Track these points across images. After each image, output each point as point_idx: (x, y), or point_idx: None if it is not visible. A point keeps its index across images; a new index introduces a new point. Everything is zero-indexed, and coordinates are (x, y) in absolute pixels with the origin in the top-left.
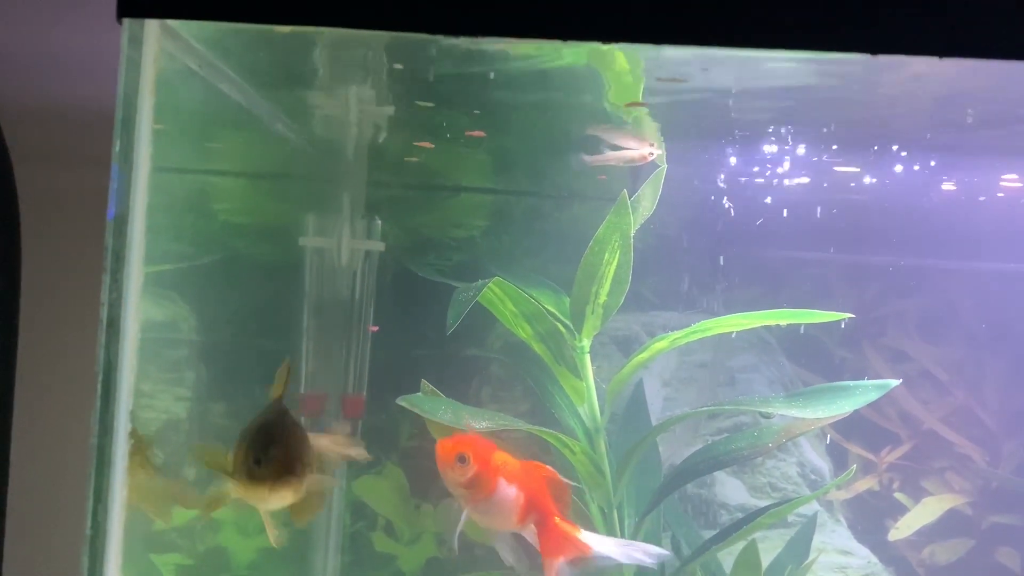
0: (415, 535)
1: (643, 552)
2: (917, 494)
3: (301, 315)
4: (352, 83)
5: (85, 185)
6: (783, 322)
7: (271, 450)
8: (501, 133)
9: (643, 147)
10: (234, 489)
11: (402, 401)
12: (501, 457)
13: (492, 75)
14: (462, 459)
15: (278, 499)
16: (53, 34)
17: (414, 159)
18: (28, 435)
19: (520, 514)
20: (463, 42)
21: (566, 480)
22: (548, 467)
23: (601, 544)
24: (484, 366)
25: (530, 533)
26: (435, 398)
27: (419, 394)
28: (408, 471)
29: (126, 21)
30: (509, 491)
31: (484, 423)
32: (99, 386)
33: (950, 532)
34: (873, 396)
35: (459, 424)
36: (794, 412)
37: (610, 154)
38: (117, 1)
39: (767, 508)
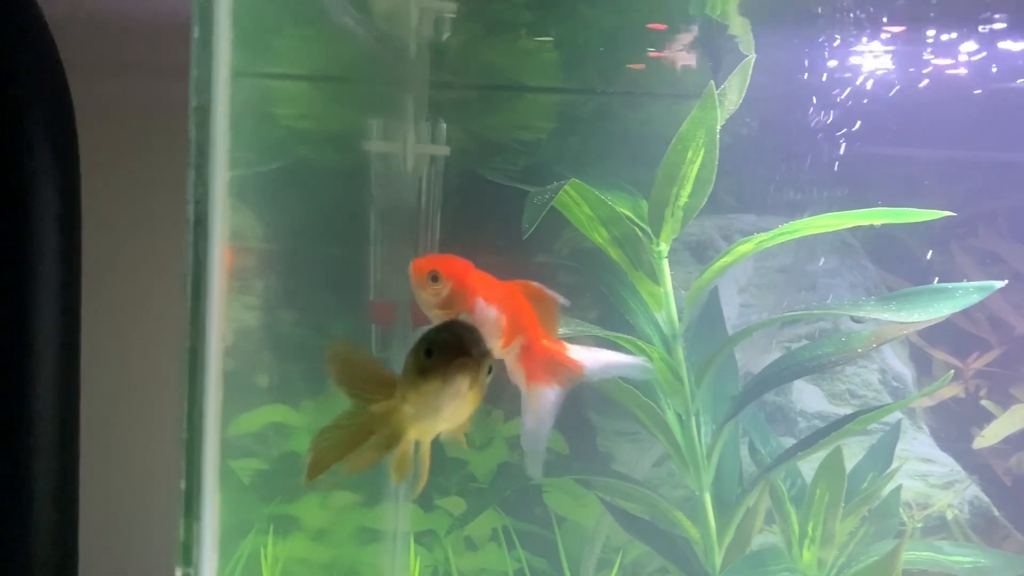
0: (486, 440)
1: (637, 365)
2: (1005, 401)
3: (368, 222)
4: None
5: (143, 96)
6: (877, 222)
7: (442, 334)
8: (567, 26)
9: None
10: (403, 405)
11: None
12: (479, 276)
13: None
14: (435, 277)
15: (453, 396)
16: None
17: (477, 59)
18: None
19: (504, 337)
20: None
21: (555, 295)
22: (533, 283)
23: (594, 359)
24: (552, 273)
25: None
26: None
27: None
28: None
29: None
30: (489, 312)
31: (565, 328)
32: (189, 288)
33: None
34: (975, 299)
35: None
36: (888, 316)
37: None
38: None
39: (852, 416)
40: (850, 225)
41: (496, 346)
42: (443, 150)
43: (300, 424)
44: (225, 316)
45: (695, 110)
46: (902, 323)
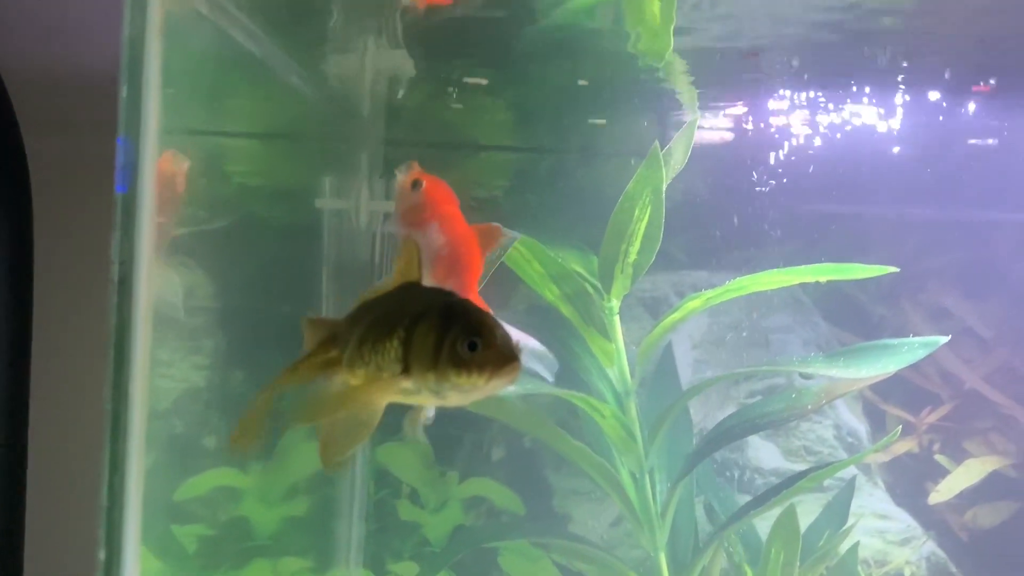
0: (440, 502)
1: (545, 361)
2: (959, 456)
3: (320, 278)
4: (367, 32)
5: (95, 152)
6: (823, 278)
7: (495, 331)
8: (520, 86)
9: None
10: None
11: None
12: (452, 211)
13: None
14: (416, 184)
15: (492, 389)
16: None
17: (432, 117)
18: (46, 405)
19: (440, 268)
20: None
21: (509, 232)
22: (494, 224)
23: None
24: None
25: None
26: None
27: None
28: (431, 437)
29: None
30: (438, 237)
31: (510, 387)
32: (112, 349)
33: (993, 495)
34: (920, 354)
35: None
36: (836, 372)
37: None
38: None
39: (805, 472)
40: (796, 281)
41: (425, 275)
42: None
43: (248, 487)
44: (149, 377)
45: (640, 169)
46: (850, 379)
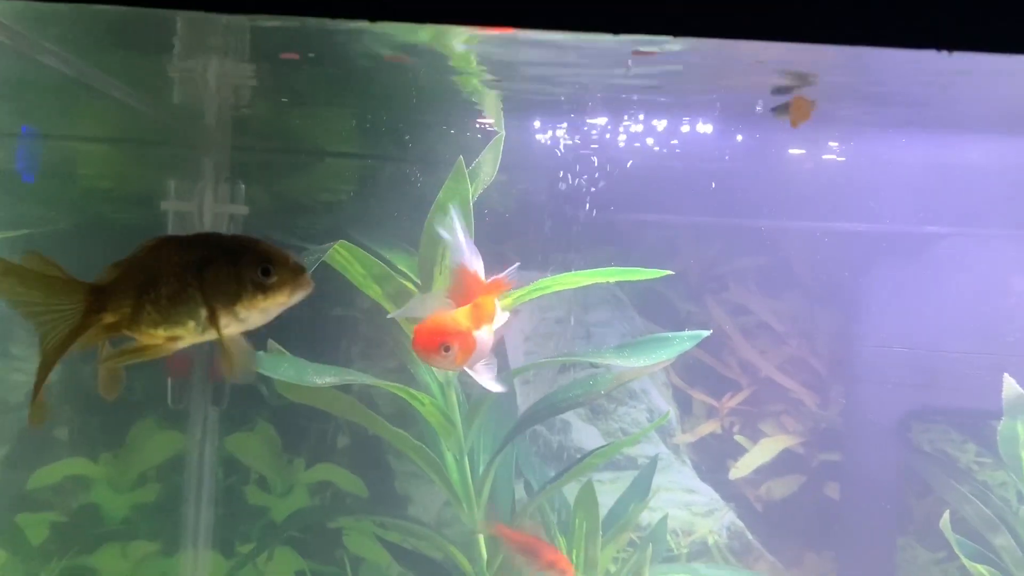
0: (287, 488)
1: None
2: (755, 436)
3: None
4: (210, 51)
5: None
6: (612, 279)
7: (280, 252)
8: (365, 98)
9: None
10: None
11: None
12: (466, 322)
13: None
14: (447, 348)
15: (294, 302)
16: None
17: (278, 126)
18: None
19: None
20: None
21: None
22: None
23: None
24: (353, 325)
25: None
26: (278, 356)
27: (261, 352)
28: (280, 427)
29: None
30: (484, 340)
31: (329, 378)
32: None
33: (784, 470)
34: (688, 345)
35: (302, 381)
36: (620, 362)
37: None
38: None
39: (597, 449)
40: (589, 282)
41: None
42: (241, 209)
43: (99, 476)
44: None
45: (448, 180)
46: (634, 367)
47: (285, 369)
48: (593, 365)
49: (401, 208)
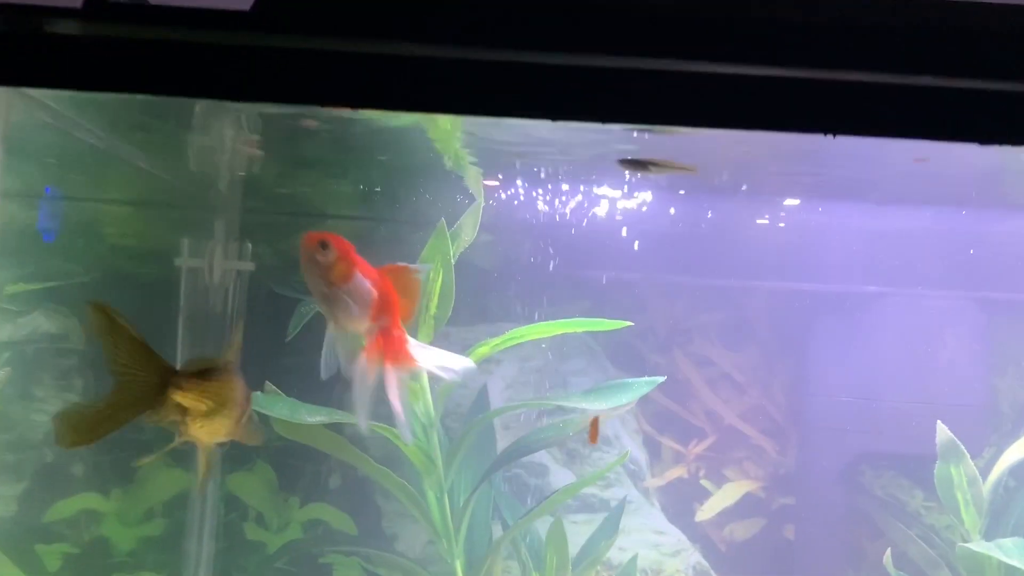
0: (283, 524)
1: (461, 364)
2: (719, 480)
3: (177, 326)
4: (224, 125)
5: None
6: (578, 330)
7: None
8: (362, 165)
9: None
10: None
11: None
12: (358, 256)
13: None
14: (324, 244)
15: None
16: None
17: (284, 190)
18: None
19: (373, 311)
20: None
21: (416, 268)
22: (401, 264)
23: (424, 357)
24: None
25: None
26: (275, 396)
27: (258, 392)
28: (277, 468)
29: None
30: (364, 283)
31: (320, 417)
32: None
33: (746, 512)
34: (645, 390)
35: (295, 419)
36: (585, 404)
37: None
38: None
39: (568, 486)
40: (559, 332)
41: (363, 321)
42: (248, 266)
43: (109, 510)
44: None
45: (431, 239)
46: (596, 410)
47: (280, 407)
48: (562, 408)
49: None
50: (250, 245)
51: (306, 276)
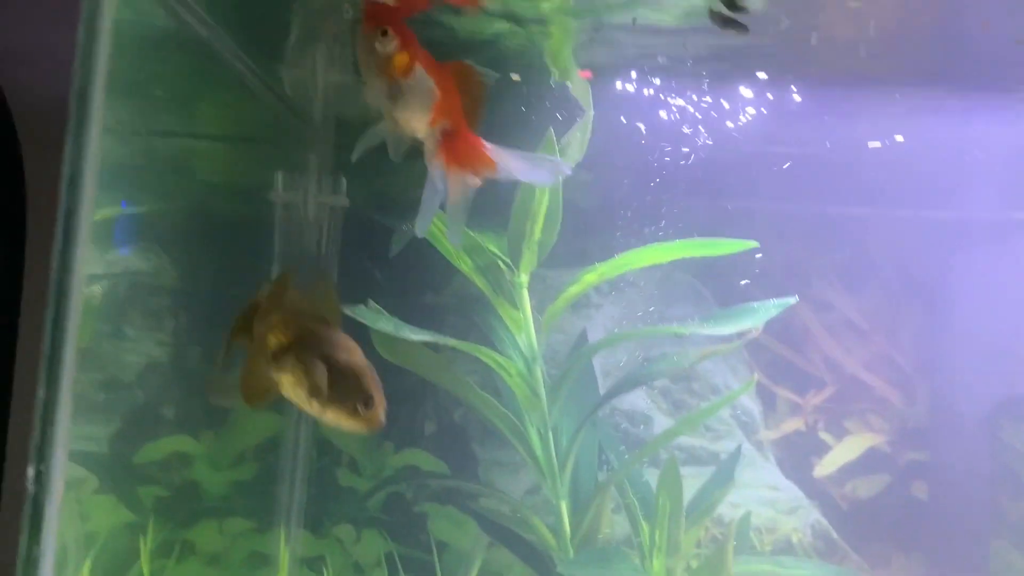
0: (377, 470)
1: (549, 165)
2: (840, 434)
3: (271, 264)
4: (319, 48)
5: None
6: (696, 254)
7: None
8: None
9: None
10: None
11: (347, 310)
12: (423, 50)
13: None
14: (385, 32)
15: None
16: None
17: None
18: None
19: (433, 115)
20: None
21: (485, 71)
22: (468, 63)
23: (505, 159)
24: (441, 315)
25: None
26: (378, 312)
27: (361, 307)
28: None
29: None
30: (427, 80)
31: (423, 336)
32: (52, 295)
33: (870, 468)
34: (773, 312)
35: (399, 334)
36: (706, 330)
37: None
38: None
39: (673, 426)
40: (672, 257)
41: (423, 122)
42: (343, 201)
43: (200, 453)
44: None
45: (539, 151)
46: (720, 336)
47: (384, 322)
48: (678, 335)
49: (488, 196)
50: (344, 180)
51: (362, 67)
